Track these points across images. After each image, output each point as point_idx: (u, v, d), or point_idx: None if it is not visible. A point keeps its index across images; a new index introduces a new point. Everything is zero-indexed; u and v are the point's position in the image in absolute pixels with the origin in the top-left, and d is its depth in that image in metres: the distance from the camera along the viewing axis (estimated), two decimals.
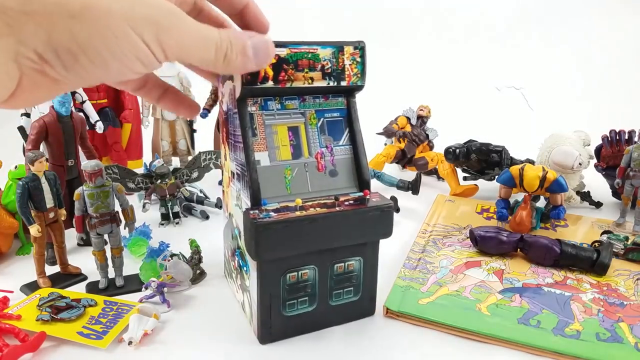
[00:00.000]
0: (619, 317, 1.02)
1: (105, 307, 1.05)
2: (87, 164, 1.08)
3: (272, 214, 0.87)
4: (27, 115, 1.47)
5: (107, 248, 1.14)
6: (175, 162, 1.90)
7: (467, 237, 1.35)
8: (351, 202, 0.93)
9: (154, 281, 1.08)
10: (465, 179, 1.80)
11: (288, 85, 0.91)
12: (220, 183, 1.77)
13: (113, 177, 1.48)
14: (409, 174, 1.85)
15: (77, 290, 1.14)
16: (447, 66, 2.78)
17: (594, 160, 1.65)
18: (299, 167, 0.96)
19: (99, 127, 1.56)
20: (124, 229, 1.17)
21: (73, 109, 1.31)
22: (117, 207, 1.13)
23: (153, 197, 1.52)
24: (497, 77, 2.56)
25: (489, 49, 2.77)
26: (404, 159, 1.93)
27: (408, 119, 1.99)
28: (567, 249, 1.20)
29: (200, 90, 1.85)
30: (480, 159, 1.69)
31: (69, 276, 1.19)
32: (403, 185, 1.63)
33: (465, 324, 0.99)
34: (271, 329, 0.95)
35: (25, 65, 0.42)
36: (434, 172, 1.92)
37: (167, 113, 1.78)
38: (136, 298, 1.09)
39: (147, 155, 1.85)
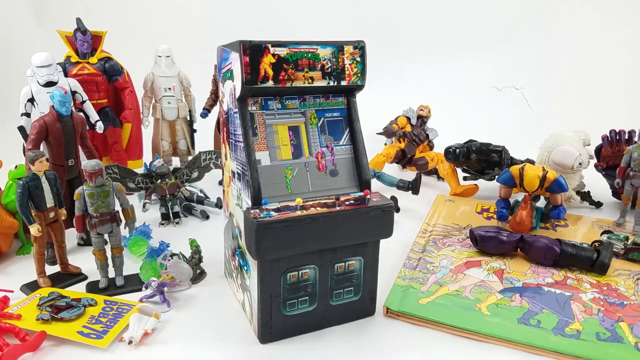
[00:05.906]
0: (619, 317, 1.02)
1: (106, 306, 1.05)
2: (87, 164, 1.08)
3: (273, 213, 0.87)
4: (27, 115, 1.47)
5: (107, 248, 1.14)
6: (176, 162, 1.89)
7: (467, 237, 1.35)
8: (352, 201, 0.93)
9: (154, 281, 1.08)
10: (465, 179, 1.80)
11: (288, 85, 0.91)
12: (220, 183, 1.77)
13: (113, 176, 1.48)
14: (409, 174, 1.85)
15: (77, 290, 1.14)
16: (447, 66, 2.78)
17: (594, 160, 1.65)
18: (300, 166, 0.96)
19: (99, 127, 1.56)
20: (124, 228, 1.16)
21: (73, 108, 1.30)
22: (118, 207, 1.13)
23: (153, 197, 1.52)
24: (497, 77, 2.55)
25: (489, 49, 2.77)
26: (404, 159, 1.93)
27: (408, 119, 1.99)
28: (567, 249, 1.20)
29: (200, 90, 1.85)
30: (480, 159, 1.69)
31: (69, 276, 1.19)
32: (403, 185, 1.63)
33: (465, 323, 1.00)
34: (271, 328, 0.95)
35: None
36: (434, 172, 1.92)
37: (168, 113, 1.78)
38: (136, 298, 1.09)
39: (147, 155, 1.84)
